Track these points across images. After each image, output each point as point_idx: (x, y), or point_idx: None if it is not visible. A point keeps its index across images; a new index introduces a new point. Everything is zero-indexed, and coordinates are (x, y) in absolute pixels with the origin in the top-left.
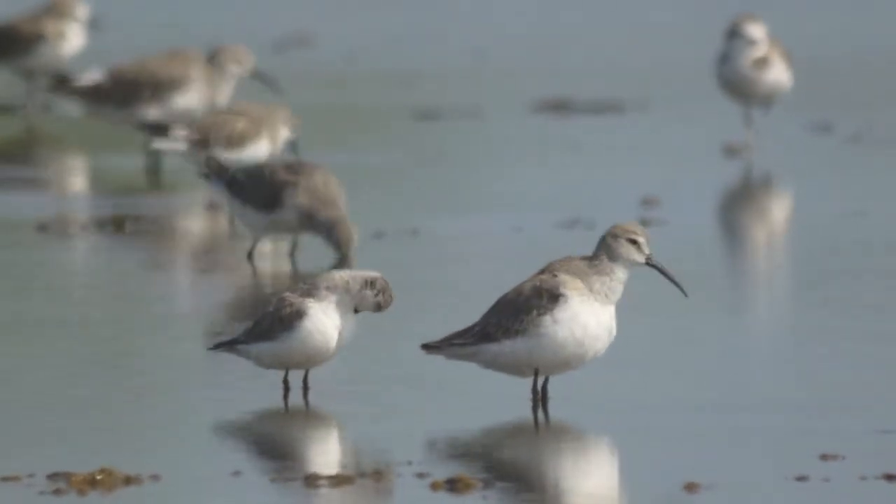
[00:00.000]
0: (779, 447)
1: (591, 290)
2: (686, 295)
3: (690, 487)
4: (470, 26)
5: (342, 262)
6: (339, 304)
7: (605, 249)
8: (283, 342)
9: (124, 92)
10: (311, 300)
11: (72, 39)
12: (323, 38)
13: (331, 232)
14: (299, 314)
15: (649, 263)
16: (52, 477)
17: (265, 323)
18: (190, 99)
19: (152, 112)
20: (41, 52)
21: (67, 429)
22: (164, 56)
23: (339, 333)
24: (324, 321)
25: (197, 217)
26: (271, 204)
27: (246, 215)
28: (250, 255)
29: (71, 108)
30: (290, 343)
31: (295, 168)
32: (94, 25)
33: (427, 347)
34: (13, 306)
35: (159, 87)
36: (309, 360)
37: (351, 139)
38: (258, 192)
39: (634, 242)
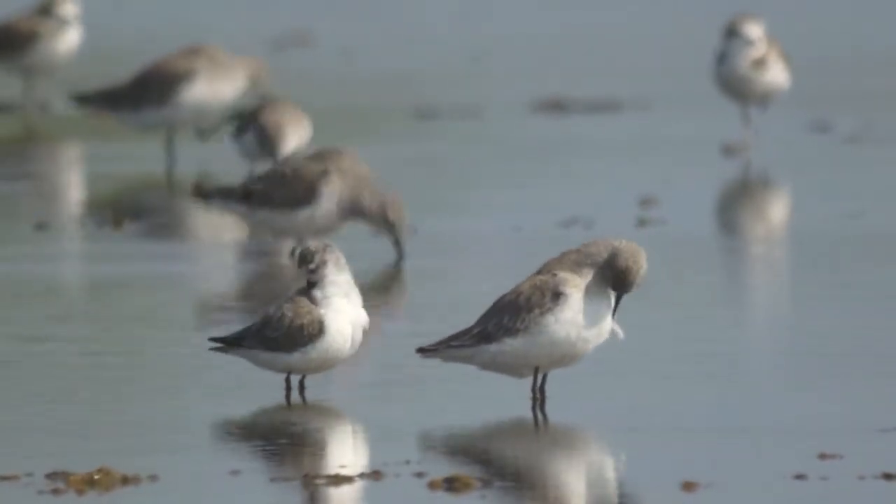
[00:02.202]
0: (777, 446)
1: (586, 281)
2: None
3: (688, 486)
4: (470, 26)
5: (396, 244)
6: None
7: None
8: (303, 355)
9: (136, 92)
10: (323, 308)
11: (66, 37)
12: (322, 38)
13: (380, 213)
14: (320, 326)
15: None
16: (51, 476)
17: (280, 332)
18: (197, 92)
19: (163, 111)
20: (37, 50)
21: (66, 428)
22: (175, 52)
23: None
24: (342, 327)
25: (197, 215)
26: (305, 199)
27: (276, 219)
28: (293, 254)
29: (69, 107)
30: (309, 356)
31: (320, 156)
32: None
33: (423, 351)
34: (11, 305)
35: (166, 82)
36: (325, 367)
37: (350, 139)
38: (287, 190)
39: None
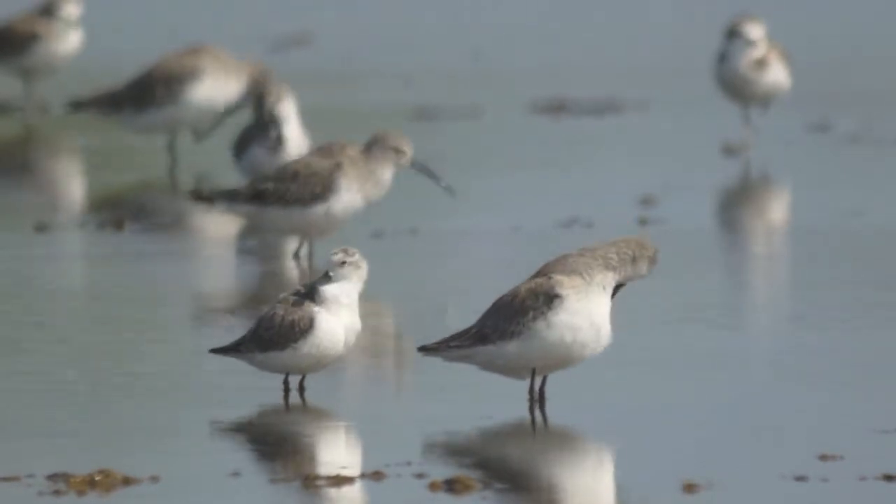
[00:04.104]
0: (778, 447)
1: (590, 283)
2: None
3: (689, 487)
4: (470, 26)
5: (432, 177)
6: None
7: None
8: (295, 351)
9: (138, 93)
10: (317, 306)
11: (67, 39)
12: (322, 38)
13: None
14: (310, 321)
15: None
16: (52, 477)
17: (272, 331)
18: (203, 91)
19: (169, 111)
20: (37, 51)
21: (66, 429)
22: (177, 51)
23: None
24: (333, 326)
25: (199, 215)
26: (322, 194)
27: (289, 218)
28: (296, 255)
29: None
30: (301, 351)
31: (328, 150)
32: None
33: (424, 350)
34: (12, 306)
35: (171, 82)
36: (318, 365)
37: (351, 139)
38: (302, 187)
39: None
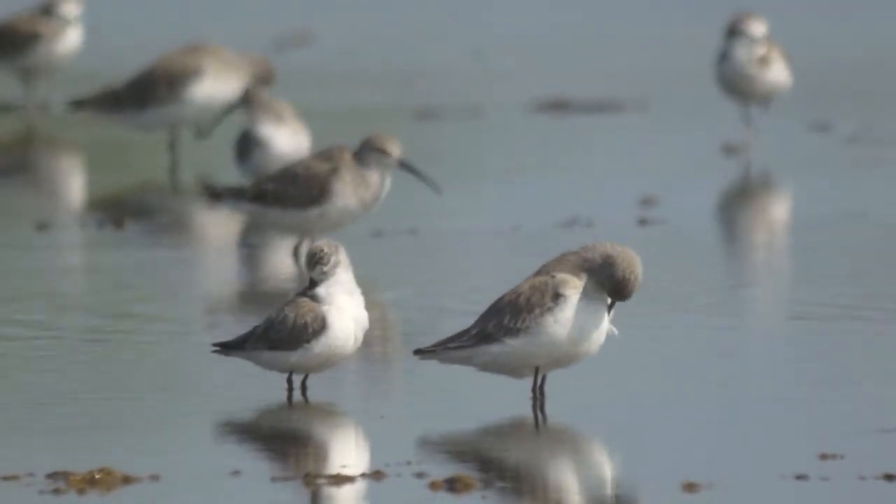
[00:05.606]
0: (778, 446)
1: (583, 281)
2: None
3: (689, 487)
4: (470, 26)
5: (419, 176)
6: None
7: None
8: (307, 351)
9: (139, 92)
10: (325, 305)
11: (67, 37)
12: (323, 38)
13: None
14: (323, 322)
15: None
16: (52, 476)
17: (283, 332)
18: (205, 89)
19: (170, 109)
20: (38, 51)
21: (67, 428)
22: (177, 50)
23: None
24: (346, 324)
25: (199, 214)
26: (318, 198)
27: (287, 218)
28: (296, 253)
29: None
30: (312, 352)
31: (328, 154)
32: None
33: (420, 353)
34: (12, 305)
35: (172, 80)
36: (327, 364)
37: (351, 139)
38: (299, 189)
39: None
